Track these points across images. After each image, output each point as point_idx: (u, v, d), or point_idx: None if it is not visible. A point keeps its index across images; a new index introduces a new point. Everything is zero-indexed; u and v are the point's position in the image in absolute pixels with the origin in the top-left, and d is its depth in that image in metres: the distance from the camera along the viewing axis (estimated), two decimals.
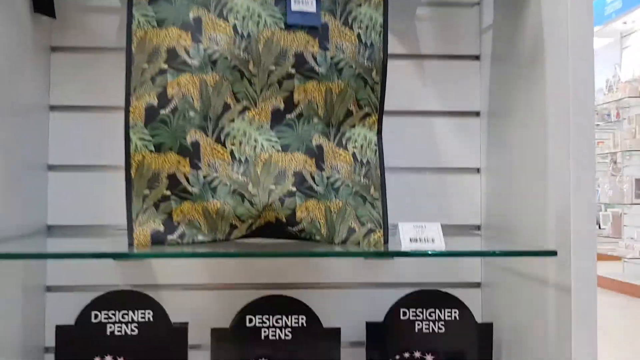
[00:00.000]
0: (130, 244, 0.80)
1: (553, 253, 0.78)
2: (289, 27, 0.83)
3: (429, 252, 0.78)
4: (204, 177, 0.81)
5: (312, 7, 0.84)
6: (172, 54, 0.81)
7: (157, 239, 0.80)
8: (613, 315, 4.02)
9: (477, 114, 1.12)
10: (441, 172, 1.11)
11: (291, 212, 0.81)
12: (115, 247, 0.91)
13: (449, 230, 1.09)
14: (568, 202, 0.79)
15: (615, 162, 6.14)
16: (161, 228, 0.81)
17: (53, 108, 1.05)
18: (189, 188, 0.80)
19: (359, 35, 0.85)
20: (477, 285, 1.11)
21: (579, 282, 0.77)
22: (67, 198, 1.04)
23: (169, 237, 0.81)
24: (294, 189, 0.81)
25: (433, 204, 1.11)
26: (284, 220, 0.82)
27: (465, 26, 1.12)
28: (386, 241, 0.84)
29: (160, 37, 0.81)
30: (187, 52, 0.81)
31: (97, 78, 1.05)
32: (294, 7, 0.83)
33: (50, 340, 1.01)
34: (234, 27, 0.82)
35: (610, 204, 5.86)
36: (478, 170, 1.12)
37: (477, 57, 1.12)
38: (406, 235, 0.82)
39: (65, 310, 1.00)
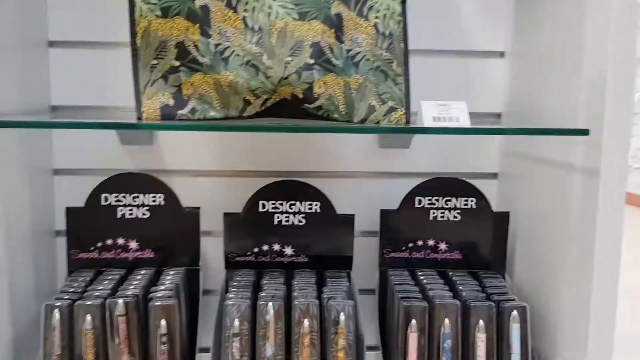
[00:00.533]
0: (139, 118, 0.76)
1: (585, 132, 0.74)
2: None
3: (453, 129, 0.73)
4: (215, 46, 0.75)
5: None
6: None
7: (167, 114, 0.76)
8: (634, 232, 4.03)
9: None
10: (462, 55, 1.05)
11: (308, 87, 0.76)
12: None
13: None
14: (604, 77, 0.74)
15: None
16: (171, 102, 0.76)
17: None
18: (199, 58, 0.75)
19: None
20: (494, 175, 1.08)
21: (609, 164, 0.74)
22: (70, 77, 0.99)
23: (179, 112, 0.77)
24: (312, 61, 0.76)
25: (452, 89, 1.05)
26: (300, 95, 0.77)
27: None
28: (408, 120, 0.80)
29: None
30: None
31: None
32: None
33: (60, 224, 1.00)
34: None
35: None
36: (502, 54, 1.06)
37: None
38: (429, 113, 0.78)
39: (74, 195, 0.99)
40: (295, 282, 0.88)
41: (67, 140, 1.00)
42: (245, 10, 0.75)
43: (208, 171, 1.03)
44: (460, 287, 0.89)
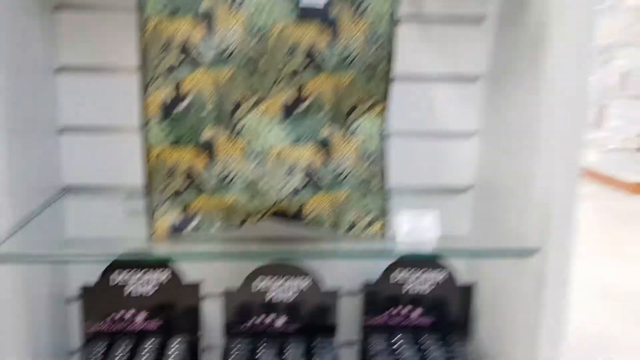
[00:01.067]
0: (152, 234, 0.86)
1: (532, 252, 0.87)
2: (299, 20, 0.84)
3: (420, 255, 0.86)
4: (219, 172, 0.85)
5: (321, 1, 0.84)
6: (185, 47, 0.82)
7: (176, 229, 0.87)
8: (587, 205, 4.21)
9: (477, 77, 1.14)
10: (437, 134, 1.16)
11: (300, 206, 0.87)
12: (132, 220, 0.97)
13: (441, 190, 1.18)
14: (552, 193, 0.86)
15: (606, 53, 6.09)
16: (179, 219, 0.87)
17: (60, 69, 1.05)
18: (205, 183, 0.85)
19: (368, 26, 0.86)
20: (463, 237, 1.20)
21: (553, 282, 0.87)
22: (80, 159, 1.08)
23: (187, 227, 0.87)
24: (304, 183, 0.86)
25: (428, 164, 1.17)
26: (292, 214, 0.88)
27: None
28: (386, 231, 0.91)
29: (173, 29, 0.82)
30: (201, 46, 0.82)
31: (104, 37, 1.05)
32: (304, 1, 0.83)
33: (72, 290, 1.10)
34: (246, 19, 0.82)
35: (595, 95, 5.89)
36: (473, 133, 1.16)
37: (481, 20, 1.12)
38: (404, 224, 0.89)
39: (84, 265, 1.09)
40: (285, 355, 1.01)
41: (78, 210, 1.10)
42: (245, 139, 0.85)
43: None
44: (430, 357, 1.02)
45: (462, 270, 1.13)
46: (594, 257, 2.97)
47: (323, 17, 0.84)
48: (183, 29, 0.81)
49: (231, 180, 0.86)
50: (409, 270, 1.09)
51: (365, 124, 0.90)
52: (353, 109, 0.89)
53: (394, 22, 0.88)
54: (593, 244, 3.20)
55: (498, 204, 1.06)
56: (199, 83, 0.82)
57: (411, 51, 1.11)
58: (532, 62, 0.93)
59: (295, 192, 0.86)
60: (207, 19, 0.82)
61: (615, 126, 5.89)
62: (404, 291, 1.09)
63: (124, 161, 1.08)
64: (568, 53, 0.85)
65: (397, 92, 1.11)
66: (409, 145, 1.15)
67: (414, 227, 0.89)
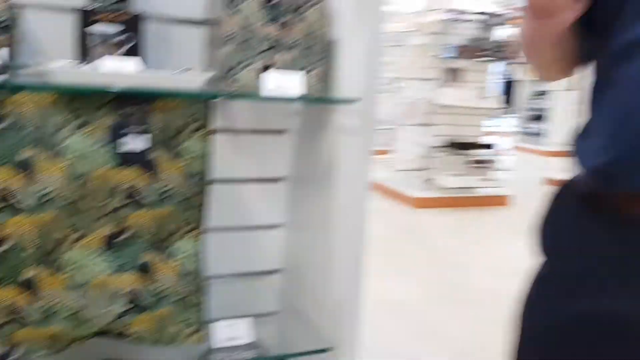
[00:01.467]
0: None
1: (326, 350, 1.05)
2: (119, 165, 0.92)
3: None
4: (42, 306, 0.90)
5: (140, 146, 0.93)
6: (5, 194, 0.85)
7: None
8: (382, 220, 4.67)
9: (281, 179, 1.31)
10: (248, 227, 1.30)
11: (125, 328, 0.95)
12: None
13: (254, 274, 1.33)
14: (344, 280, 1.05)
15: (398, 85, 6.78)
16: (1, 351, 0.89)
17: None
18: (28, 317, 0.89)
19: (185, 166, 0.97)
20: (274, 313, 1.37)
21: None
22: None
23: (12, 357, 0.90)
24: (127, 307, 0.94)
25: (241, 253, 1.31)
26: (117, 334, 0.95)
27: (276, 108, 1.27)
28: (206, 339, 1.03)
29: None
30: (21, 193, 0.86)
31: None
32: (124, 148, 0.92)
33: None
34: (68, 166, 0.88)
35: (386, 121, 6.53)
36: (279, 225, 1.33)
37: (283, 132, 1.29)
38: (220, 334, 1.02)
39: None
40: None
41: None
42: (68, 273, 0.91)
43: None
44: None
45: (274, 349, 1.29)
46: (375, 271, 3.32)
47: (142, 161, 0.93)
48: (1, 178, 0.85)
49: (55, 312, 0.90)
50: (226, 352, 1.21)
51: (184, 246, 1.01)
52: (171, 234, 0.99)
53: (208, 160, 1.00)
54: (377, 258, 3.57)
55: (301, 286, 1.24)
56: (20, 227, 0.86)
57: (225, 158, 1.24)
58: (325, 170, 1.13)
59: (119, 316, 0.94)
60: (27, 168, 0.86)
61: (402, 149, 6.58)
62: None
63: None
64: (351, 168, 1.06)
65: (214, 193, 1.23)
66: (224, 237, 1.28)
67: (230, 335, 1.02)
